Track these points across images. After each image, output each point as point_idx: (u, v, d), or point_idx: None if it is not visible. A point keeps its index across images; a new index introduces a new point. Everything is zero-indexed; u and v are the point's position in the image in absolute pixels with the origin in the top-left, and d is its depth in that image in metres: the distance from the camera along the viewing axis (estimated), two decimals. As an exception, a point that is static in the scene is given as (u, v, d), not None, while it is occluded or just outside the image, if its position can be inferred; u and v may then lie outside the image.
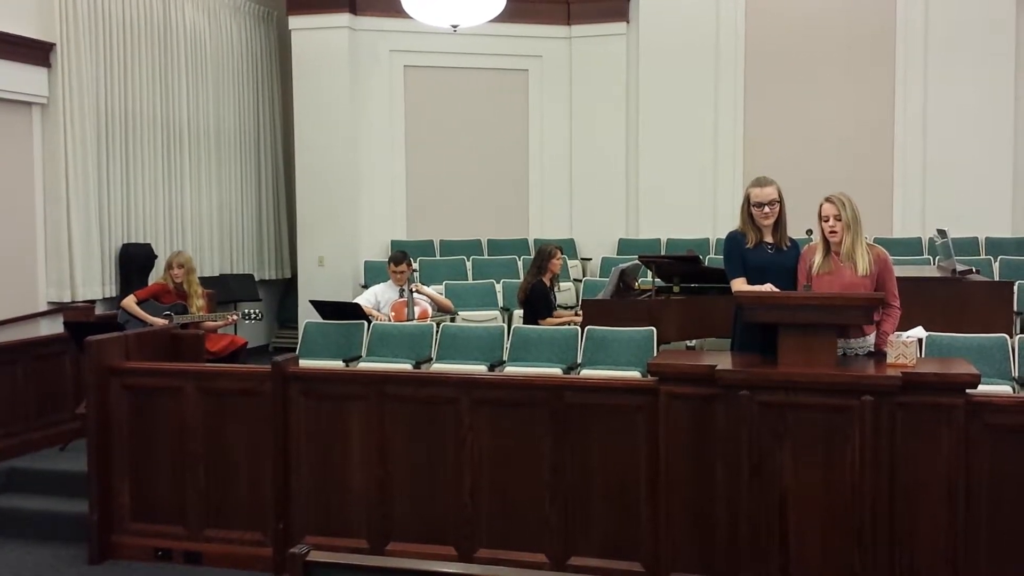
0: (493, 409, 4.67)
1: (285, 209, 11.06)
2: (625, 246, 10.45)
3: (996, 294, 6.73)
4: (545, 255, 7.47)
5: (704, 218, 10.40)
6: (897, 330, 4.35)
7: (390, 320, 7.05)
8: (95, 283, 7.99)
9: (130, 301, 6.90)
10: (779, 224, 4.61)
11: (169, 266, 7.07)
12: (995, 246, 9.33)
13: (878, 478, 3.98)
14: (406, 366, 6.17)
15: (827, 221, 4.39)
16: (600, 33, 10.71)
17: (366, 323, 6.76)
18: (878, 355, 4.33)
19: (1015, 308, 6.98)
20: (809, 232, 4.56)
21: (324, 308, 7.18)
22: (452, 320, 7.65)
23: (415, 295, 7.17)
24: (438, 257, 10.28)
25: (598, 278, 9.15)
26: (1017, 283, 7.24)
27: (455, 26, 8.30)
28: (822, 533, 4.04)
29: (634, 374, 5.74)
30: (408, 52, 10.43)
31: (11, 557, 5.24)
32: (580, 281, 9.43)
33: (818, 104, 10.24)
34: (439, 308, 7.40)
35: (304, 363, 5.54)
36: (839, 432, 4.01)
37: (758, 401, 4.09)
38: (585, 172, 10.82)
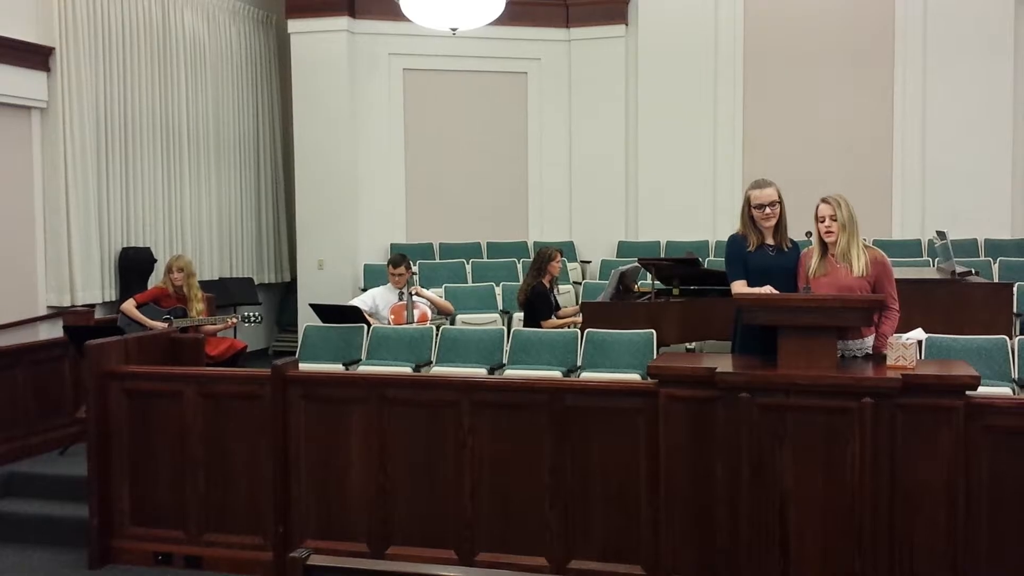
0: (493, 412, 4.67)
1: (284, 212, 11.07)
2: (624, 248, 10.45)
3: (996, 296, 6.72)
4: (545, 257, 7.48)
5: (703, 220, 10.40)
6: (897, 332, 4.35)
7: (389, 323, 7.05)
8: (95, 287, 8.00)
9: (129, 305, 6.90)
10: (780, 226, 4.62)
11: (169, 270, 7.07)
12: (994, 248, 9.33)
13: (878, 480, 3.97)
14: (406, 369, 6.17)
15: (823, 222, 4.40)
16: (599, 36, 10.71)
17: (366, 326, 6.76)
18: (876, 357, 4.33)
19: (1015, 310, 6.97)
20: (808, 234, 4.56)
21: (324, 311, 7.18)
22: (451, 323, 7.64)
23: (414, 298, 7.17)
24: (437, 260, 10.29)
25: (597, 280, 9.15)
26: (1017, 285, 7.23)
27: (454, 29, 8.31)
28: (822, 535, 4.04)
29: (634, 377, 5.73)
30: (407, 55, 10.44)
31: (11, 562, 5.24)
32: (580, 284, 9.43)
33: (817, 106, 10.24)
34: (439, 311, 7.40)
35: (304, 367, 5.54)
36: (839, 434, 4.01)
37: (758, 403, 4.09)
38: (584, 174, 10.82)
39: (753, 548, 4.10)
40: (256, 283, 10.33)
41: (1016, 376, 5.48)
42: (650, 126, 10.60)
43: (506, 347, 6.46)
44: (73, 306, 7.67)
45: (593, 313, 6.73)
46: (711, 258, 9.51)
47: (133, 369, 5.27)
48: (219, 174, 9.89)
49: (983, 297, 6.68)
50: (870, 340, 4.37)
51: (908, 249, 9.43)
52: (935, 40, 9.88)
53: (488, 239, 10.69)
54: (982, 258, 8.98)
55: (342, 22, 10.17)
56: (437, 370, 6.21)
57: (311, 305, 7.44)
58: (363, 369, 6.24)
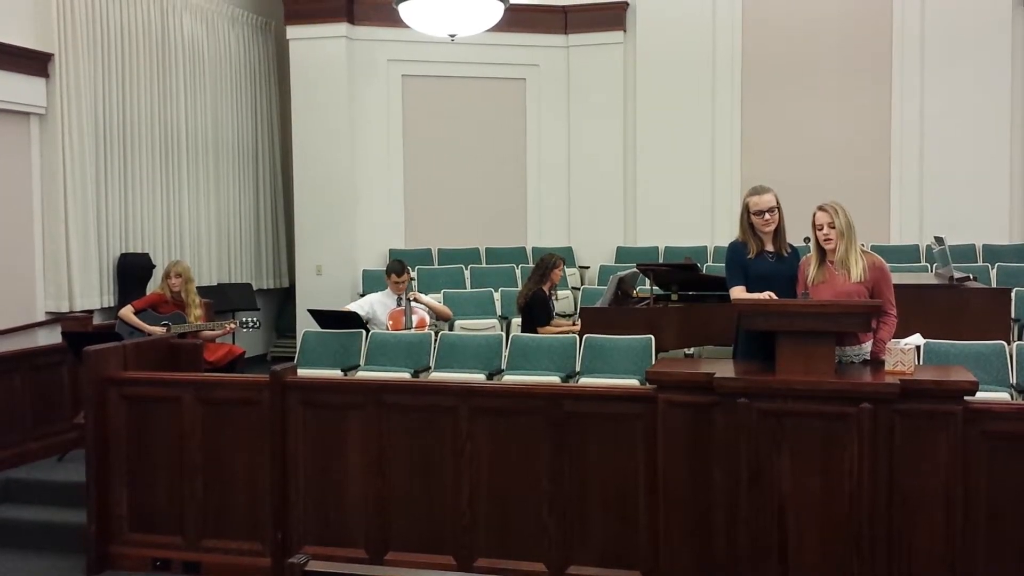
0: (492, 418, 4.67)
1: (283, 218, 11.07)
2: (623, 254, 10.45)
3: (994, 301, 6.72)
4: (549, 265, 7.47)
5: (702, 226, 10.40)
6: (895, 337, 4.35)
7: (387, 328, 7.04)
8: (93, 293, 8.00)
9: (128, 311, 6.89)
10: (779, 232, 4.63)
11: (167, 275, 7.06)
12: (993, 253, 9.34)
13: (876, 485, 3.97)
14: (404, 375, 6.17)
15: (821, 229, 4.40)
16: (597, 42, 10.73)
17: (364, 332, 6.76)
18: (875, 363, 4.33)
19: (1013, 315, 6.98)
20: (807, 240, 4.57)
21: (322, 317, 7.18)
22: (450, 328, 7.64)
23: (413, 303, 7.17)
24: (436, 266, 10.30)
25: (596, 286, 9.15)
26: (1015, 290, 7.23)
27: (453, 35, 8.32)
28: (821, 540, 4.04)
29: (632, 382, 5.73)
30: (406, 61, 10.45)
31: (8, 568, 5.23)
32: (578, 289, 9.43)
33: (815, 112, 10.26)
34: (437, 316, 7.40)
35: (302, 372, 5.54)
36: (838, 439, 4.00)
37: (757, 409, 4.08)
38: (583, 180, 10.84)
39: (751, 553, 4.10)
40: (254, 289, 10.33)
41: (1014, 381, 5.48)
42: (648, 132, 10.62)
43: (505, 352, 6.46)
44: (71, 312, 7.66)
45: (592, 318, 6.72)
46: (709, 263, 9.51)
47: (131, 375, 5.27)
48: (218, 180, 9.89)
49: (981, 302, 6.68)
50: (868, 346, 4.37)
51: (906, 254, 9.44)
52: (933, 46, 9.91)
53: (487, 245, 10.70)
54: (980, 263, 8.99)
55: (341, 28, 10.19)
56: (436, 376, 6.21)
57: (310, 311, 7.45)
58: (362, 375, 6.25)
